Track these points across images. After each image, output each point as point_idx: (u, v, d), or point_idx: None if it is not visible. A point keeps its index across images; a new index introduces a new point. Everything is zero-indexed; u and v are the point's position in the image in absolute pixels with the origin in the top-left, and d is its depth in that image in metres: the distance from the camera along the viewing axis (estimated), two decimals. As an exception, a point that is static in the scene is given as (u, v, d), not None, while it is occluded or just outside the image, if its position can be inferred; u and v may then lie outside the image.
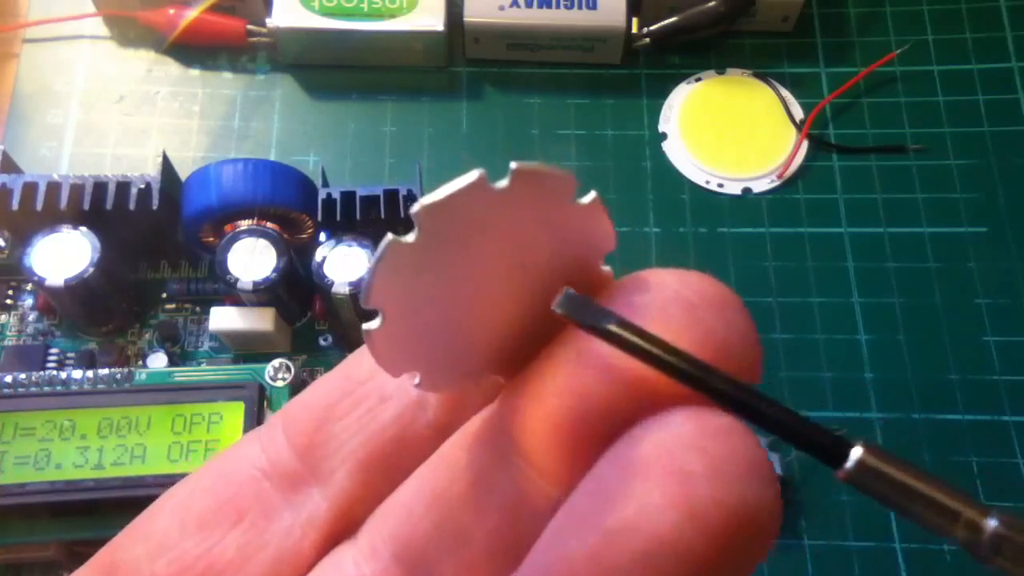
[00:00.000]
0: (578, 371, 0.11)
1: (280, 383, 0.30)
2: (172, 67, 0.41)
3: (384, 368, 0.11)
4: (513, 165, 0.11)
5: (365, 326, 0.11)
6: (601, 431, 0.11)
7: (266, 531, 0.13)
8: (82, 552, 0.29)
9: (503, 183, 0.11)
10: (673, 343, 0.10)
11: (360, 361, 0.13)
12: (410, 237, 0.10)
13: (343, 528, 0.13)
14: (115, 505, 0.28)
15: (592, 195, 0.11)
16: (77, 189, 0.31)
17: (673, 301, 0.11)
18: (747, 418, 0.10)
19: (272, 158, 0.38)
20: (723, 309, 0.11)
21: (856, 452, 0.10)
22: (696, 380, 0.10)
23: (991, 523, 0.09)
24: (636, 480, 0.10)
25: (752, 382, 0.11)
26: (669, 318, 0.11)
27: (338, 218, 0.32)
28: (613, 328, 0.10)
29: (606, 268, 0.12)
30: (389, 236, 0.10)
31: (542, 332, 0.12)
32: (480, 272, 0.11)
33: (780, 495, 0.10)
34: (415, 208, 0.10)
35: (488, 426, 0.12)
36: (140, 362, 0.33)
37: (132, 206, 0.31)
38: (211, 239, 0.32)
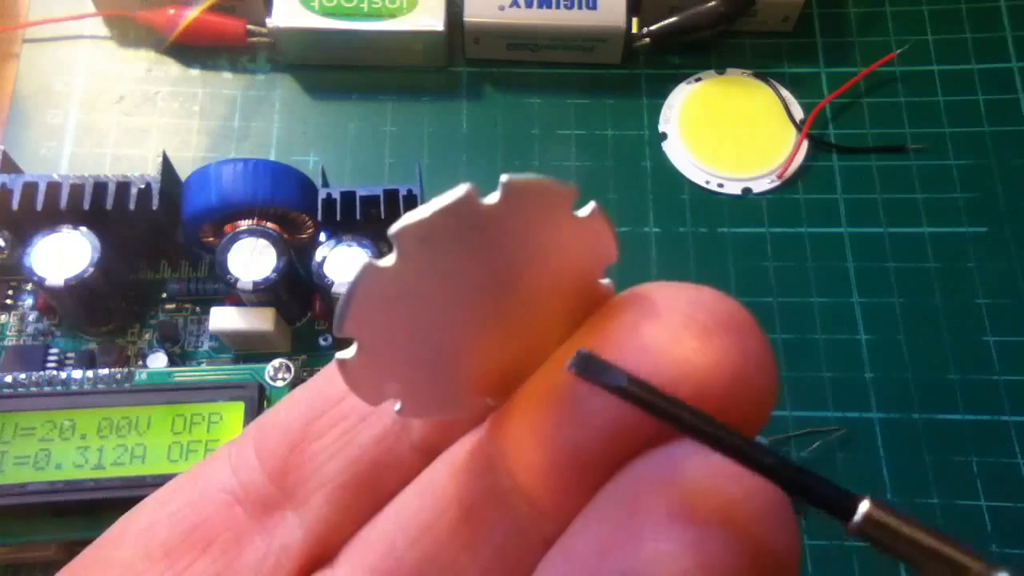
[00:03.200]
0: (578, 400, 0.10)
1: (280, 383, 0.30)
2: (172, 67, 0.41)
3: (362, 398, 0.10)
4: (504, 178, 0.09)
5: (338, 356, 0.10)
6: (603, 464, 0.10)
7: (237, 559, 0.12)
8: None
9: (493, 198, 0.09)
10: (686, 395, 0.10)
11: (334, 376, 0.12)
12: (389, 260, 0.09)
13: (319, 555, 0.12)
14: (115, 505, 0.27)
15: (592, 206, 0.10)
16: (77, 189, 0.31)
17: (684, 325, 0.10)
18: (759, 474, 0.10)
19: (272, 158, 0.38)
20: (738, 332, 0.10)
21: (864, 506, 0.09)
22: (708, 438, 0.09)
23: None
24: (642, 523, 0.09)
25: (769, 406, 0.10)
26: (682, 345, 0.10)
27: (338, 218, 0.32)
28: (628, 388, 0.09)
29: (606, 282, 0.11)
30: (366, 260, 0.09)
31: (536, 351, 0.11)
32: (468, 295, 0.10)
33: (799, 535, 0.10)
34: (393, 229, 0.09)
35: (478, 455, 0.11)
36: (140, 362, 0.33)
37: (132, 206, 0.31)
38: (211, 239, 0.32)
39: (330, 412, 0.12)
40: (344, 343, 0.10)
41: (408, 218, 0.09)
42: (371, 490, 0.12)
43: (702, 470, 0.09)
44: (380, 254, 0.30)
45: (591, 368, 0.10)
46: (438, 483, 0.11)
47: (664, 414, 0.09)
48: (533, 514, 0.11)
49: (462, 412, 0.11)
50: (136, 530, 0.12)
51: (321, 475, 0.12)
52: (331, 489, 0.12)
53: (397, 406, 0.11)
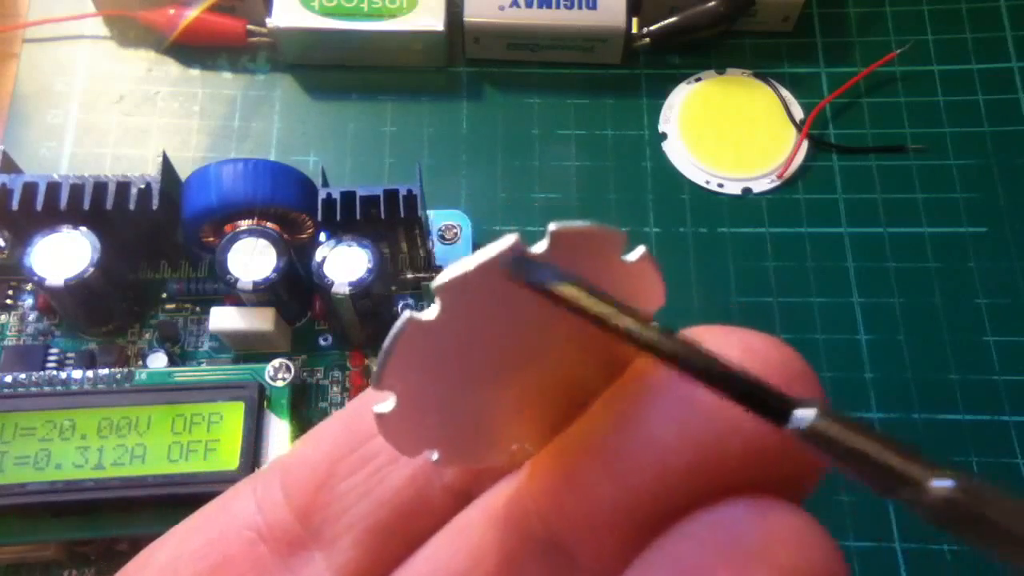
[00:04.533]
0: (623, 453, 0.10)
1: (280, 383, 0.30)
2: (172, 67, 0.41)
3: (398, 450, 0.10)
4: (552, 227, 0.09)
5: (376, 409, 0.10)
6: (645, 523, 0.09)
7: None
8: (82, 552, 0.29)
9: (540, 247, 0.09)
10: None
11: (363, 412, 0.11)
12: (431, 314, 0.09)
13: None
14: (115, 505, 0.28)
15: (640, 250, 0.10)
16: (77, 189, 0.31)
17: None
18: (695, 378, 0.09)
19: (272, 158, 0.38)
20: (792, 382, 0.09)
21: (805, 415, 0.08)
22: (639, 341, 0.09)
23: (940, 484, 0.08)
24: None
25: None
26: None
27: (338, 218, 0.31)
28: (552, 289, 0.09)
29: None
30: (408, 314, 0.09)
31: (576, 398, 0.10)
32: (510, 345, 0.10)
33: None
34: (436, 283, 0.09)
35: (516, 503, 0.11)
36: (140, 362, 0.33)
37: (132, 206, 0.31)
38: (211, 239, 0.32)
39: (359, 450, 0.11)
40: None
41: (451, 272, 0.09)
42: (401, 533, 0.11)
43: (757, 534, 0.09)
44: (380, 259, 0.30)
45: (522, 268, 0.09)
46: (474, 530, 0.11)
47: (595, 318, 0.09)
48: (572, 568, 0.10)
49: (500, 460, 0.11)
50: (158, 566, 0.12)
51: (350, 515, 0.11)
52: (360, 530, 0.11)
53: (435, 456, 0.10)
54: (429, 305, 0.09)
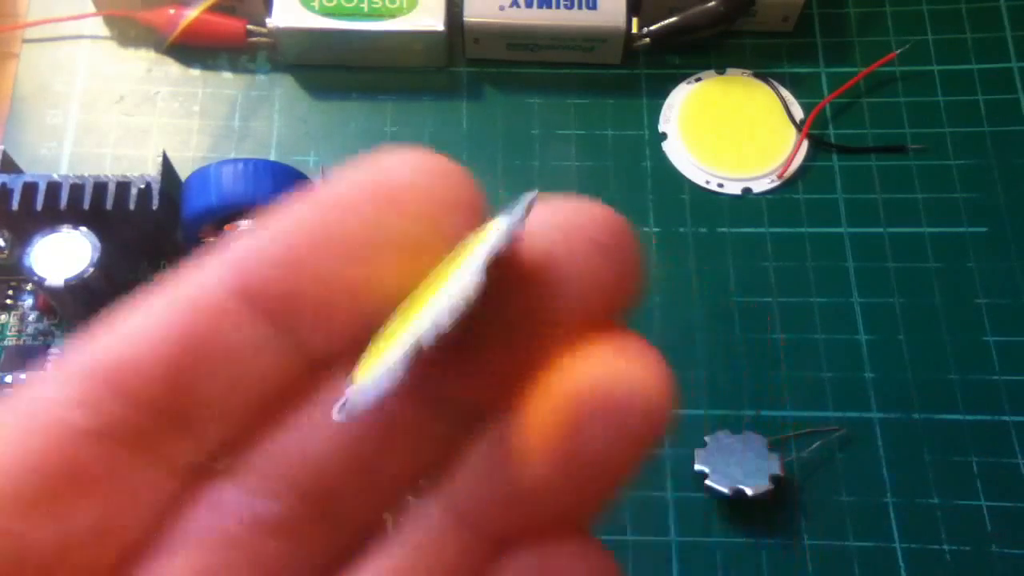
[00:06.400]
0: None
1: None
2: (172, 67, 0.41)
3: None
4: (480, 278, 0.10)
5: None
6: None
7: (125, 496, 0.11)
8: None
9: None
10: None
11: (193, 301, 0.11)
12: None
13: (219, 472, 0.11)
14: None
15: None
16: (77, 189, 0.31)
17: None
18: None
19: (272, 158, 0.38)
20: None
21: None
22: None
23: None
24: None
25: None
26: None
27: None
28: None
29: None
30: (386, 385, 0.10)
31: None
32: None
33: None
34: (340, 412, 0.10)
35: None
36: (140, 362, 0.33)
37: (132, 206, 0.31)
38: (211, 239, 0.32)
39: (211, 342, 0.11)
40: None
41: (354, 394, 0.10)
42: (272, 409, 0.11)
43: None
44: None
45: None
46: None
47: None
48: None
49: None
50: None
51: (214, 401, 0.11)
52: (227, 412, 0.11)
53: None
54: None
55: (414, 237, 0.11)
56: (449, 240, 0.11)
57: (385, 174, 0.11)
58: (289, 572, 0.11)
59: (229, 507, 0.11)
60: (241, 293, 0.11)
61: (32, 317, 0.34)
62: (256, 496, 0.11)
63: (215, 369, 0.11)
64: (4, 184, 0.31)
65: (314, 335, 0.11)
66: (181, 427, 0.11)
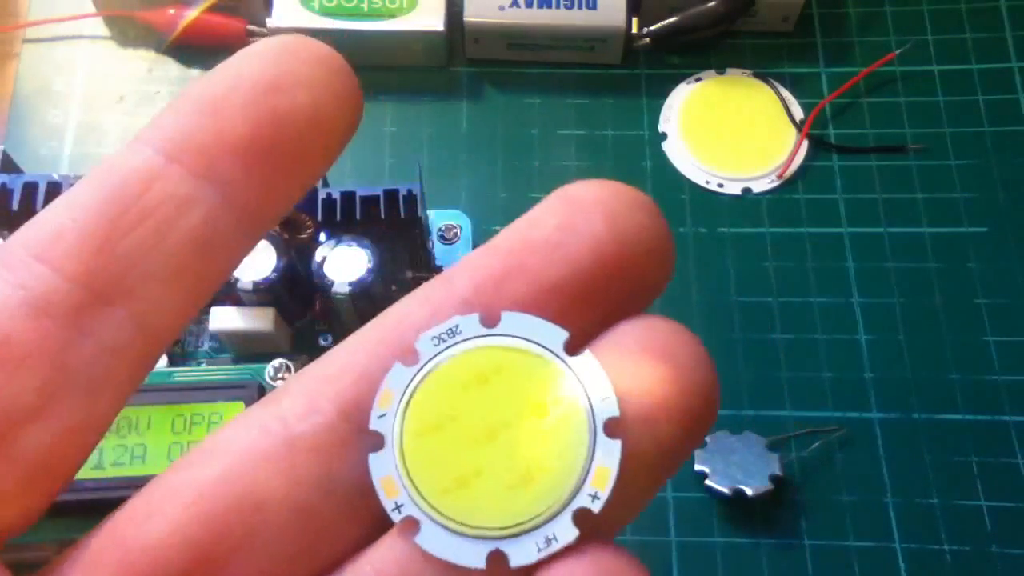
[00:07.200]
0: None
1: (280, 383, 0.30)
2: (172, 67, 0.41)
3: None
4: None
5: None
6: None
7: (62, 364, 0.11)
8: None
9: None
10: None
11: (122, 174, 0.11)
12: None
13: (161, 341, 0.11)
14: (115, 505, 0.27)
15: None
16: (77, 189, 0.31)
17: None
18: None
19: (272, 158, 0.38)
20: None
21: None
22: None
23: None
24: None
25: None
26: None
27: (338, 218, 0.31)
28: None
29: None
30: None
31: None
32: None
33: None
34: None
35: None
36: (140, 362, 0.33)
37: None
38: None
39: (136, 206, 0.11)
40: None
41: None
42: (204, 272, 0.11)
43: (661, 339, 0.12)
44: (381, 259, 0.30)
45: None
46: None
47: None
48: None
49: None
50: None
51: (145, 265, 0.11)
52: (160, 277, 0.11)
53: None
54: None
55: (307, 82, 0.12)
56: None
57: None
58: None
59: None
60: (162, 153, 0.11)
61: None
62: None
63: (144, 233, 0.11)
64: (4, 184, 0.31)
65: (241, 189, 0.11)
66: (111, 297, 0.11)
